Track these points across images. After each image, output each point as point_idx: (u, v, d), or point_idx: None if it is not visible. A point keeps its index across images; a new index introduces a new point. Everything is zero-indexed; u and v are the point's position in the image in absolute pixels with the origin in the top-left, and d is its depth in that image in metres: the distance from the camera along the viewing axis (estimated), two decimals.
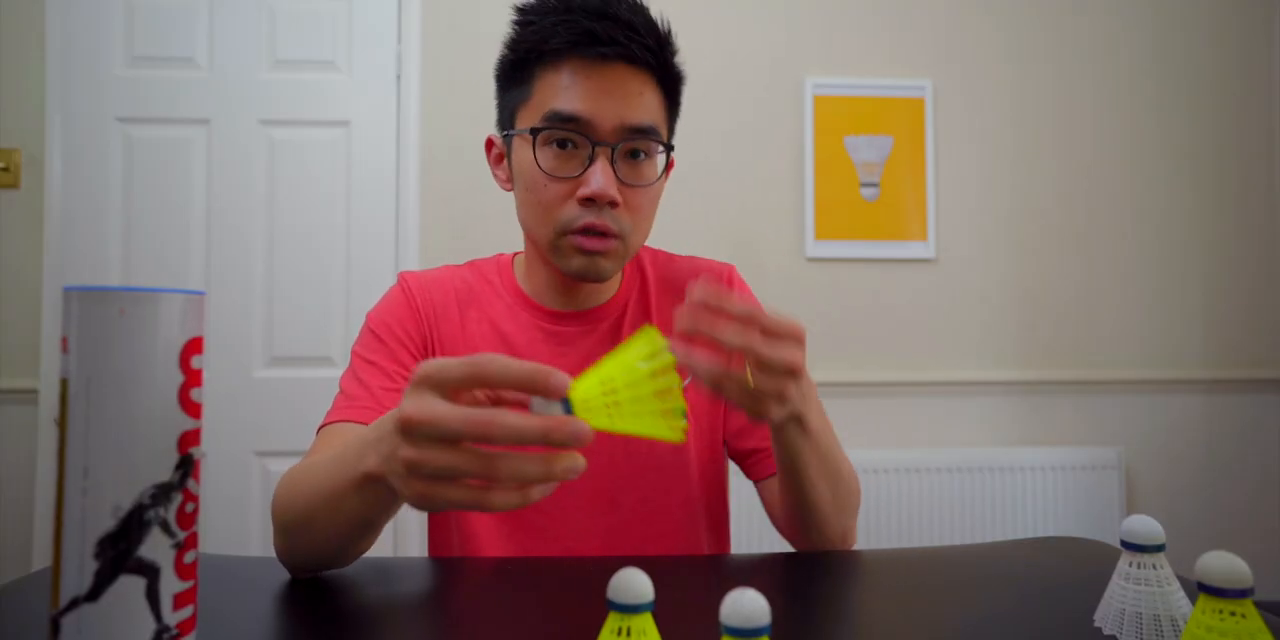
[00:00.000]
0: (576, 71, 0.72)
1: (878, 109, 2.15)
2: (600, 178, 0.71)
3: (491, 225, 2.01)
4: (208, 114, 2.00)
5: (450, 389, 0.42)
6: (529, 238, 0.80)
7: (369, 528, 0.56)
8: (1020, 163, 2.20)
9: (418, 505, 0.43)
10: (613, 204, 0.72)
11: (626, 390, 0.42)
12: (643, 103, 0.73)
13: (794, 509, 0.70)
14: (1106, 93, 2.22)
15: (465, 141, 2.02)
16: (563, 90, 0.72)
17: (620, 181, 0.73)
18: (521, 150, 0.75)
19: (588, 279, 0.75)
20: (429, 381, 0.42)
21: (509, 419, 0.39)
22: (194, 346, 0.39)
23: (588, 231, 0.73)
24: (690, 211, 2.09)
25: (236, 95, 2.01)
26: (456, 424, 0.40)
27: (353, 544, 0.59)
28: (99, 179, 1.98)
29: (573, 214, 0.73)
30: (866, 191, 2.14)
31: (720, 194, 2.11)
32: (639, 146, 0.74)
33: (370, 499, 0.51)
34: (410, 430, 0.41)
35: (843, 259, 2.13)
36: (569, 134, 0.72)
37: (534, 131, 0.73)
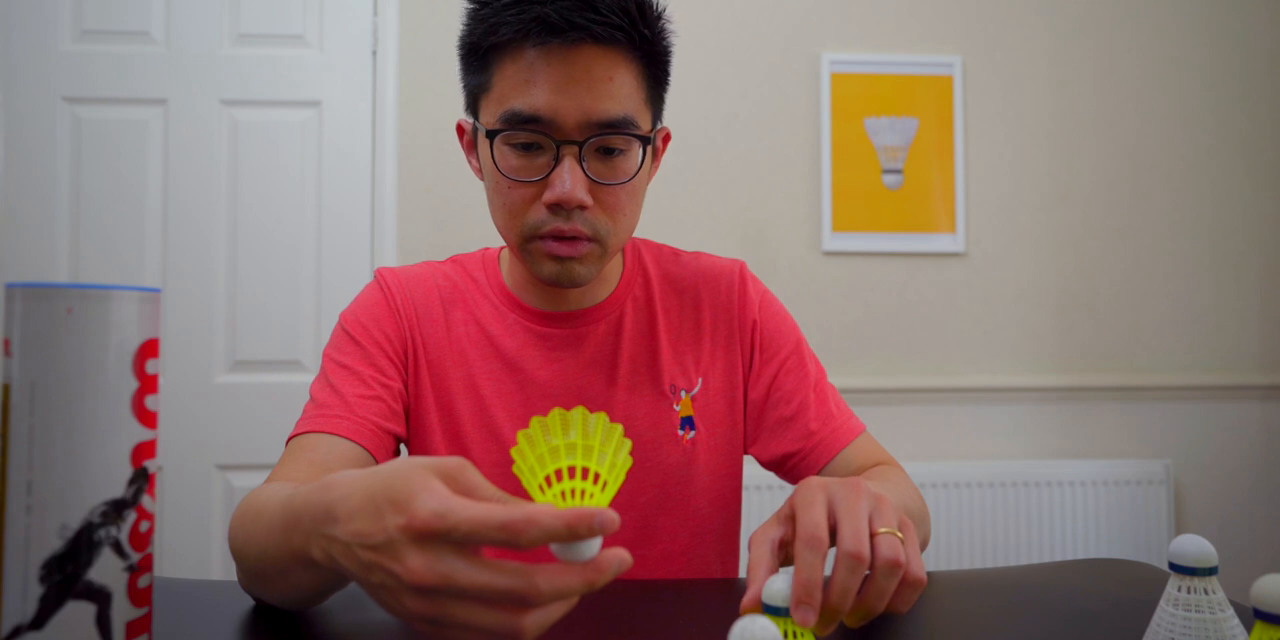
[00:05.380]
0: (535, 62, 0.70)
1: (902, 88, 2.15)
2: (567, 180, 0.70)
3: (476, 216, 2.01)
4: (164, 93, 2.00)
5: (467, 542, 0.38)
6: (503, 236, 0.80)
7: (324, 596, 0.54)
8: (1059, 147, 2.20)
9: (405, 613, 0.38)
10: (581, 207, 0.71)
11: None
12: (612, 90, 0.70)
13: None
14: (1154, 69, 2.22)
15: (448, 124, 2.01)
16: (520, 85, 0.70)
17: (592, 180, 0.72)
18: (485, 148, 0.75)
19: (562, 285, 0.75)
20: (436, 533, 0.37)
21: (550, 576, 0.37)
22: (149, 349, 0.38)
23: (557, 236, 0.72)
24: (695, 202, 2.09)
25: (196, 73, 2.01)
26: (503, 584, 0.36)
27: (317, 599, 0.56)
28: (44, 165, 1.97)
29: (539, 218, 0.72)
30: (889, 179, 2.13)
31: (728, 182, 2.11)
32: (610, 143, 0.72)
33: (318, 577, 0.47)
34: (427, 537, 0.37)
35: (863, 253, 2.13)
36: (530, 135, 0.71)
37: (491, 134, 0.72)
